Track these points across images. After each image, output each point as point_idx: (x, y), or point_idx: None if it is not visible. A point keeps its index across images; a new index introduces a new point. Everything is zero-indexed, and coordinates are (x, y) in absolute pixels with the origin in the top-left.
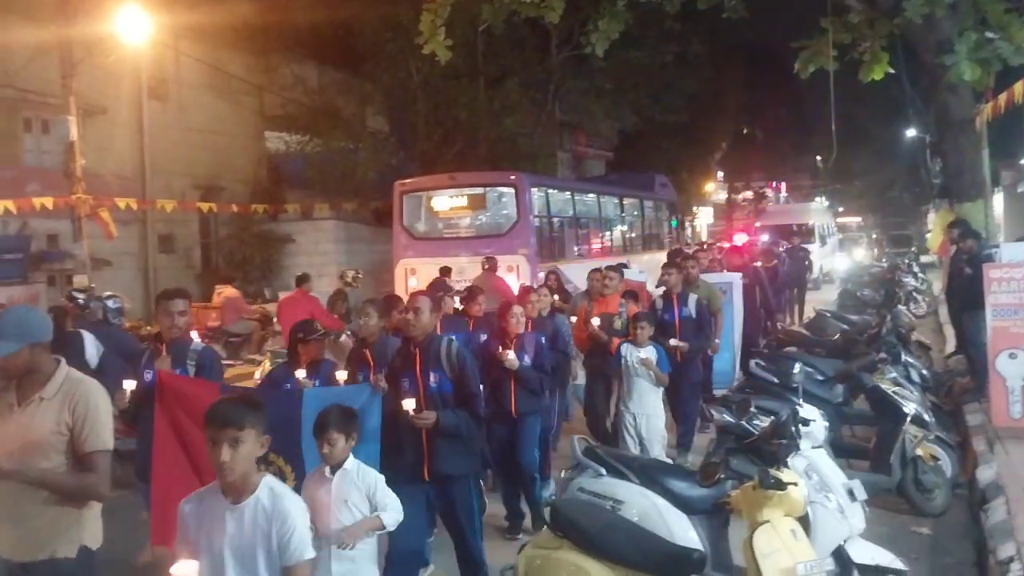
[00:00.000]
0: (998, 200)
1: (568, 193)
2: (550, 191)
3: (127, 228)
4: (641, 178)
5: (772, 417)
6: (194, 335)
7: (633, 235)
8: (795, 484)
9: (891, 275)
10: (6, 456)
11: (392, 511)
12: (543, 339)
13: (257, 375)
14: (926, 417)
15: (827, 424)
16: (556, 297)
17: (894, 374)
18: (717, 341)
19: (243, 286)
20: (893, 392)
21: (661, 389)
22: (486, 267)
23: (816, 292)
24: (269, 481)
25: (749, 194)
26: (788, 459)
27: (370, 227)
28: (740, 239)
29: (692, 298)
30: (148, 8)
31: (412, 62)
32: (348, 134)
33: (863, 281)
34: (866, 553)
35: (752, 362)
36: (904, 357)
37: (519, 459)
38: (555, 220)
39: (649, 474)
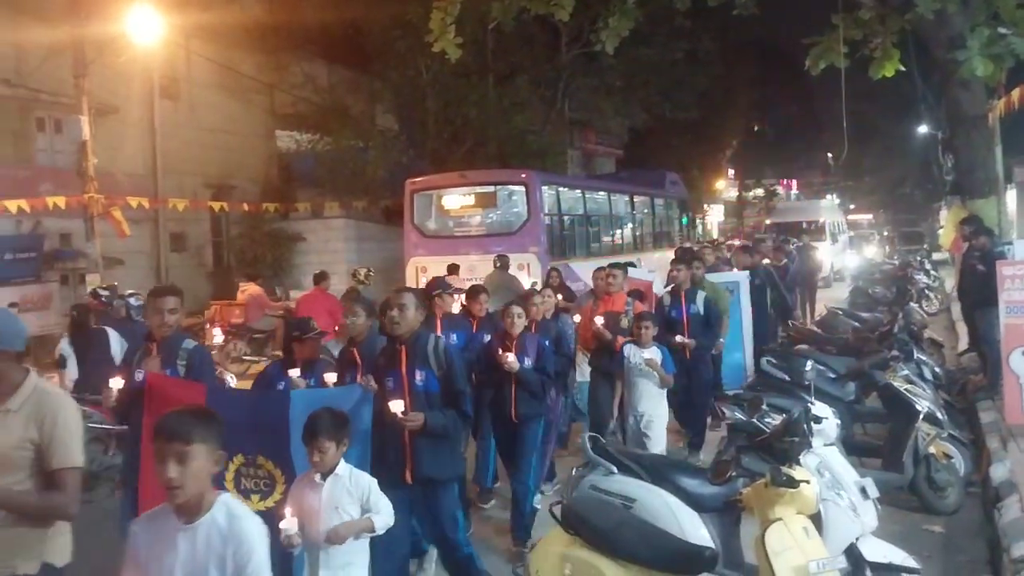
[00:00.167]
0: (1011, 197)
1: (579, 191)
2: (561, 189)
3: (139, 227)
4: (652, 175)
5: (784, 415)
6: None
7: (644, 233)
8: (807, 482)
9: (903, 272)
10: None
11: (384, 515)
12: (547, 342)
13: None
14: (939, 415)
15: (839, 422)
16: (560, 297)
17: (906, 372)
18: (722, 341)
19: None
20: (905, 390)
21: (665, 391)
22: (498, 265)
23: (827, 290)
24: (226, 500)
25: (760, 191)
26: (800, 457)
27: (380, 225)
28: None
29: (700, 295)
30: (159, 8)
31: (422, 60)
32: (358, 132)
33: (875, 278)
34: (878, 551)
35: (763, 360)
36: (916, 355)
37: (516, 464)
38: (566, 218)
39: (660, 472)
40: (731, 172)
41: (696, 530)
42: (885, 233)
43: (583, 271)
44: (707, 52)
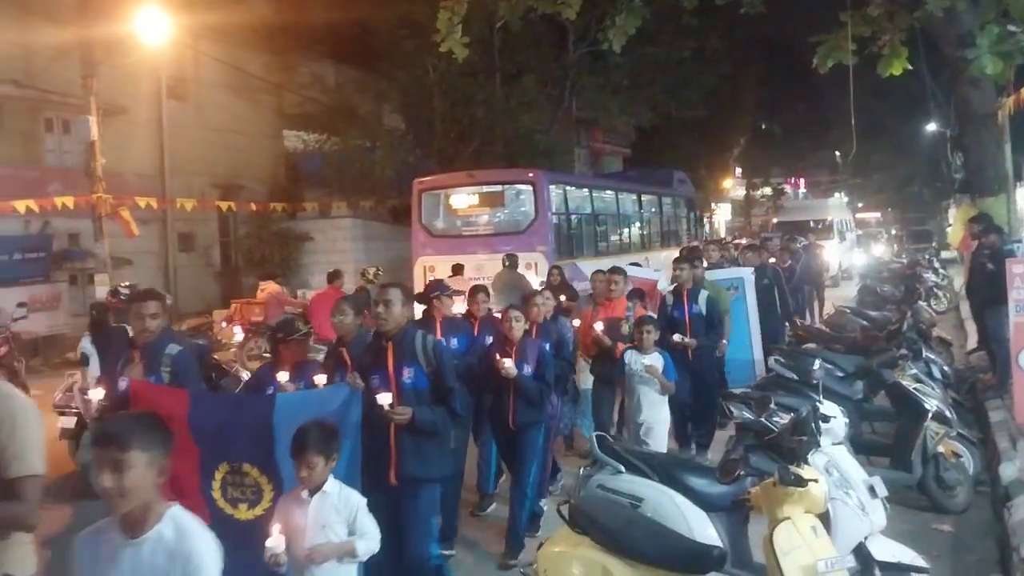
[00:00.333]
0: (1020, 194)
1: (586, 190)
2: (568, 188)
3: (147, 227)
4: (659, 174)
5: (792, 414)
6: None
7: (652, 231)
8: (815, 481)
9: (911, 271)
10: None
11: (369, 540)
12: (547, 346)
13: None
14: (947, 414)
15: (847, 421)
16: (563, 297)
17: (915, 370)
18: (724, 342)
19: None
20: (914, 388)
21: (667, 396)
22: (506, 264)
23: (836, 289)
24: (176, 514)
25: (767, 190)
26: (808, 456)
27: (387, 225)
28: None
29: (703, 295)
30: (167, 8)
31: (429, 60)
32: (365, 132)
33: (883, 277)
34: (887, 550)
35: (771, 358)
36: (925, 353)
37: (516, 473)
38: (573, 217)
39: (668, 471)
40: (738, 171)
41: (704, 529)
42: (893, 231)
43: (591, 270)
44: (714, 50)
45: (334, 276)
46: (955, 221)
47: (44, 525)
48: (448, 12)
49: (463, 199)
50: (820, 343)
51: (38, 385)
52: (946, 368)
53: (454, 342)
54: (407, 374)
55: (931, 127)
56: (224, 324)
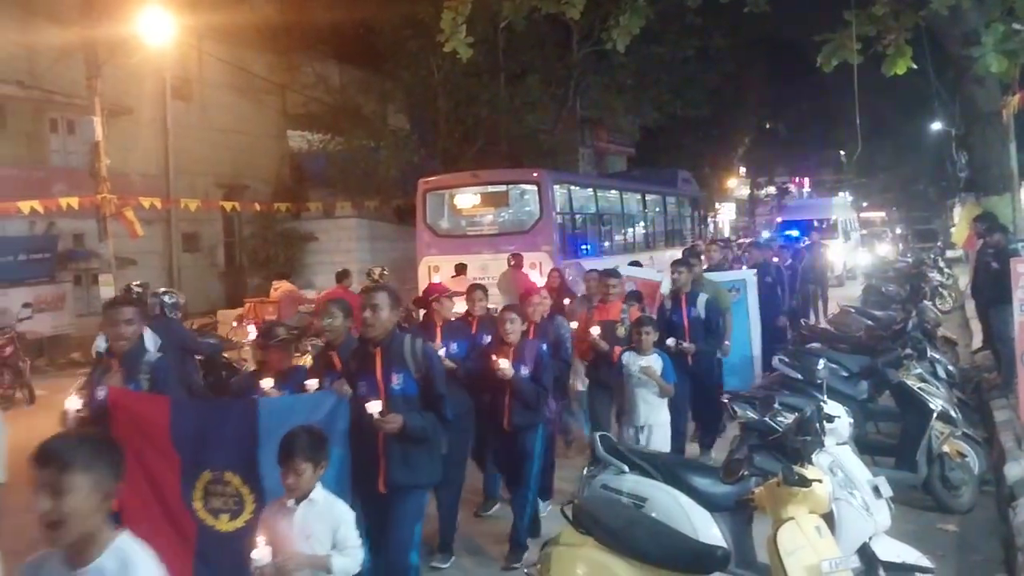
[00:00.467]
0: None
1: (590, 189)
2: (572, 187)
3: (152, 227)
4: (664, 174)
5: (796, 413)
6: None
7: (656, 231)
8: (820, 481)
9: (916, 270)
10: None
11: (348, 558)
12: (544, 346)
13: None
14: (952, 413)
15: (852, 420)
16: (567, 301)
17: (920, 370)
18: (727, 343)
19: (265, 284)
20: (919, 388)
21: (666, 399)
22: (512, 264)
23: (840, 288)
24: (122, 544)
25: (772, 189)
26: (813, 456)
27: (392, 225)
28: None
29: (701, 297)
30: (171, 9)
31: (433, 60)
32: (370, 132)
33: (888, 276)
34: (892, 550)
35: (775, 358)
36: (930, 353)
37: (516, 475)
38: (578, 217)
39: (672, 471)
40: (743, 170)
41: (708, 529)
42: (898, 231)
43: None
44: (718, 49)
45: (342, 276)
46: (960, 220)
47: (12, 536)
48: (452, 12)
49: (467, 199)
50: (824, 343)
51: (43, 385)
52: (951, 368)
53: (454, 347)
54: (396, 380)
55: (936, 126)
56: (235, 323)
